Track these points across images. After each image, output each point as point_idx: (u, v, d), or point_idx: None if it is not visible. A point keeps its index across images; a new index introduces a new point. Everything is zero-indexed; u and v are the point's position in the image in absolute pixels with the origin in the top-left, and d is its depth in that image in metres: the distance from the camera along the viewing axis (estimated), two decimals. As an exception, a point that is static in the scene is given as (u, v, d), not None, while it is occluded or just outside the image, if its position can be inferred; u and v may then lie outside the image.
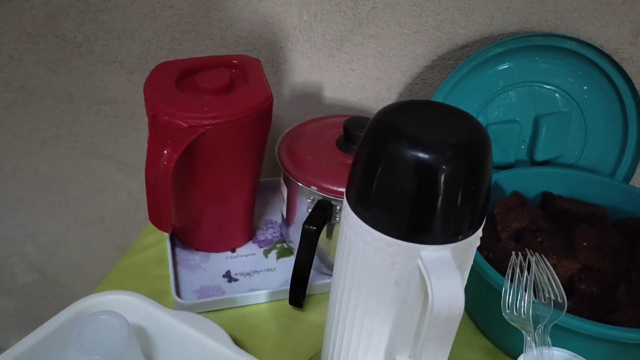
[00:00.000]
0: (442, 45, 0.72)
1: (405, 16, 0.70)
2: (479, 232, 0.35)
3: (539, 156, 0.70)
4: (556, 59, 0.68)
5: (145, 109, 0.61)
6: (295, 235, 0.67)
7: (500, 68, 0.69)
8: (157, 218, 0.60)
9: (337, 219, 0.60)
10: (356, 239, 0.36)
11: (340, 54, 0.75)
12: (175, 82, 0.60)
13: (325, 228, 0.59)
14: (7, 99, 0.86)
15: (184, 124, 0.55)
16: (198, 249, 0.68)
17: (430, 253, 0.33)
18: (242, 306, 0.62)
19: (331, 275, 0.64)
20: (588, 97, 0.69)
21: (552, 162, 0.72)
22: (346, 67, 0.76)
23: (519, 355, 0.44)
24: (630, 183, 0.71)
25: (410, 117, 0.34)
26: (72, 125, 0.91)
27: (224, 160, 0.60)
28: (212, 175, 0.61)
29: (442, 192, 0.32)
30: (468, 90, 0.69)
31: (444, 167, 0.31)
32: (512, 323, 0.43)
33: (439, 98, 0.70)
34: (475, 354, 0.57)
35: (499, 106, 0.70)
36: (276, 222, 0.74)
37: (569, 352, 0.43)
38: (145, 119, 0.88)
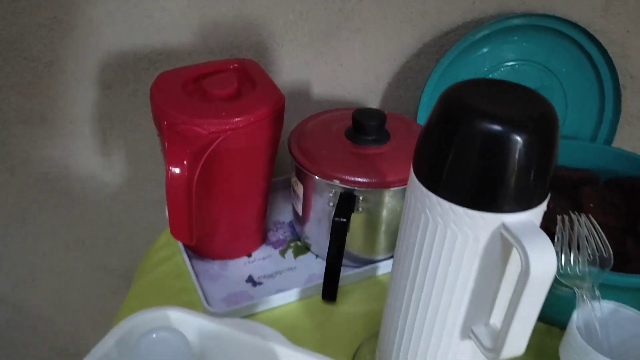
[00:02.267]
0: (427, 32, 0.74)
1: (391, 7, 0.72)
2: (548, 197, 0.38)
3: (528, 129, 0.74)
4: (535, 37, 0.72)
5: (155, 120, 0.60)
6: (312, 232, 0.67)
7: (484, 51, 0.73)
8: (180, 231, 0.59)
9: (360, 209, 0.61)
10: (435, 219, 0.37)
11: (327, 50, 0.76)
12: (182, 91, 0.59)
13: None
14: (-29, 130, 0.81)
15: (203, 131, 0.55)
16: (215, 257, 0.67)
17: (514, 221, 0.35)
18: (273, 308, 0.62)
19: (353, 267, 0.66)
20: (566, 70, 0.74)
21: (539, 134, 0.76)
22: (334, 63, 0.77)
23: (563, 323, 0.47)
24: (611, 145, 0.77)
25: (482, 94, 0.35)
26: (44, 149, 0.87)
27: (240, 166, 0.60)
28: (229, 182, 0.61)
29: (525, 162, 0.34)
30: (457, 75, 0.72)
31: (527, 138, 0.33)
32: (565, 282, 0.46)
33: (431, 84, 0.72)
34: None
35: (487, 86, 0.74)
36: (284, 221, 0.74)
37: (615, 302, 0.47)
38: (127, 134, 0.86)
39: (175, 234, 0.59)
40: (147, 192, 0.92)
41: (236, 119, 0.55)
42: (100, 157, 0.89)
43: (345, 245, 0.64)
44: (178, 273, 0.66)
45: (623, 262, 0.57)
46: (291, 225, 0.74)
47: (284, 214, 0.76)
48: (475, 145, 0.34)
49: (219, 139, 0.55)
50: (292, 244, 0.71)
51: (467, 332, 0.41)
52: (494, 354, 0.39)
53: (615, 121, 0.74)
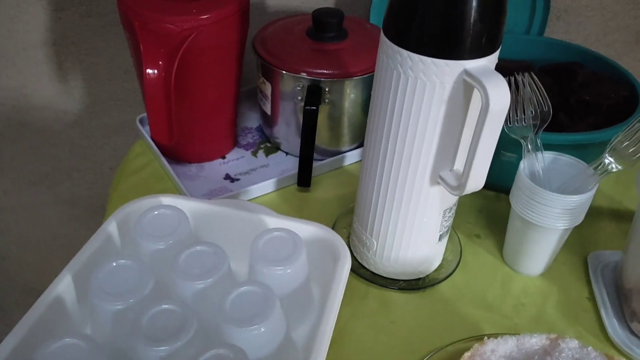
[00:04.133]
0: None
1: None
2: (498, 50, 0.44)
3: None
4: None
5: (125, 24, 0.61)
6: (281, 131, 0.72)
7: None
8: (161, 132, 0.62)
9: (326, 100, 0.66)
10: (406, 72, 0.43)
11: (279, -41, 0.79)
12: (149, -6, 0.61)
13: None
14: None
15: (176, 28, 0.57)
16: (191, 161, 0.71)
17: (474, 66, 0.41)
18: (253, 198, 0.66)
19: (320, 160, 0.71)
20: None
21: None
22: (286, -28, 0.80)
23: (508, 188, 0.55)
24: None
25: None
26: (0, 81, 0.86)
27: (212, 66, 0.63)
28: (202, 83, 0.64)
29: (481, 9, 0.39)
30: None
31: (482, -12, 0.39)
32: (512, 136, 0.53)
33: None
34: (477, 199, 0.68)
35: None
36: (252, 127, 0.78)
37: (555, 152, 0.55)
38: (83, 57, 0.86)
39: (156, 135, 0.62)
40: (108, 117, 0.93)
41: (207, 15, 0.58)
42: (57, 84, 0.89)
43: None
44: (157, 177, 0.69)
45: (558, 132, 0.66)
46: (259, 129, 0.78)
47: (251, 120, 0.80)
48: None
49: (192, 36, 0.58)
50: (262, 146, 0.75)
51: (436, 178, 0.48)
52: (459, 190, 0.46)
53: (545, 15, 0.81)
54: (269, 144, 0.75)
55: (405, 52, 0.42)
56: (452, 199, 0.52)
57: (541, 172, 0.54)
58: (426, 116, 0.44)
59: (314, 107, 0.62)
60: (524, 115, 0.53)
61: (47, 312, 0.43)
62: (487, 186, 0.65)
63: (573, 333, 0.52)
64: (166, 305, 0.42)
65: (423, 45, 0.41)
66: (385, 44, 0.44)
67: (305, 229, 0.52)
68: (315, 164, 0.69)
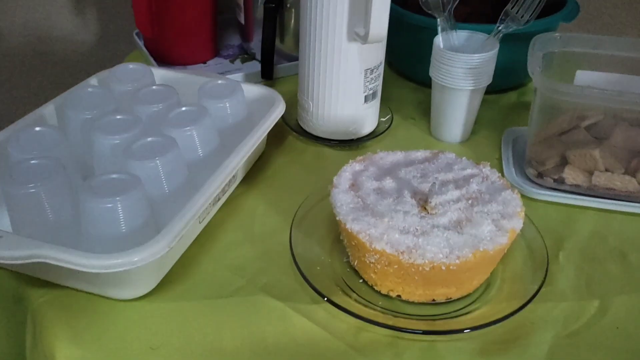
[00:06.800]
0: None
1: None
2: None
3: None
4: None
5: None
6: (256, 45, 0.83)
7: None
8: (143, 24, 0.74)
9: (288, 5, 0.76)
10: None
11: None
12: None
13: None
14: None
15: None
16: (176, 63, 0.82)
17: None
18: (224, 90, 0.77)
19: (285, 62, 0.81)
20: None
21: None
22: None
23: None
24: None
25: None
26: (26, 13, 1.00)
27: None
28: None
29: None
30: None
31: None
32: (428, 11, 0.62)
33: None
34: (406, 92, 0.77)
35: None
36: (234, 44, 0.90)
37: (469, 30, 0.63)
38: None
39: (139, 25, 0.74)
40: (119, 47, 1.06)
41: None
42: (74, 17, 1.02)
43: (280, 43, 0.80)
44: (146, 74, 0.81)
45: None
46: (240, 47, 0.89)
47: (233, 39, 0.91)
48: None
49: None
50: (240, 56, 0.86)
51: (352, 34, 0.58)
52: (365, 38, 0.55)
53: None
54: (246, 55, 0.86)
55: None
56: (373, 60, 0.61)
57: (455, 45, 0.63)
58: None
59: (273, 5, 0.73)
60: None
61: (32, 123, 0.55)
62: (427, 84, 0.74)
63: (475, 178, 0.60)
64: (119, 116, 0.53)
65: None
66: None
67: (252, 89, 0.63)
68: (281, 65, 0.80)
